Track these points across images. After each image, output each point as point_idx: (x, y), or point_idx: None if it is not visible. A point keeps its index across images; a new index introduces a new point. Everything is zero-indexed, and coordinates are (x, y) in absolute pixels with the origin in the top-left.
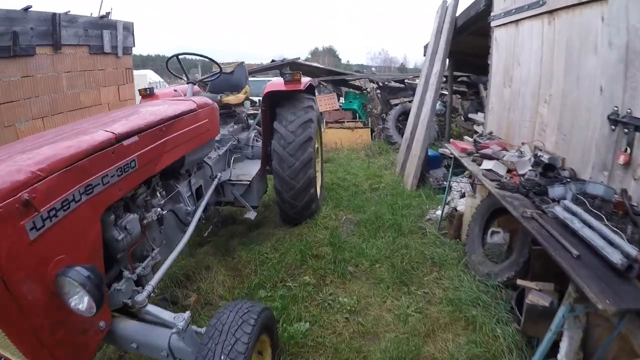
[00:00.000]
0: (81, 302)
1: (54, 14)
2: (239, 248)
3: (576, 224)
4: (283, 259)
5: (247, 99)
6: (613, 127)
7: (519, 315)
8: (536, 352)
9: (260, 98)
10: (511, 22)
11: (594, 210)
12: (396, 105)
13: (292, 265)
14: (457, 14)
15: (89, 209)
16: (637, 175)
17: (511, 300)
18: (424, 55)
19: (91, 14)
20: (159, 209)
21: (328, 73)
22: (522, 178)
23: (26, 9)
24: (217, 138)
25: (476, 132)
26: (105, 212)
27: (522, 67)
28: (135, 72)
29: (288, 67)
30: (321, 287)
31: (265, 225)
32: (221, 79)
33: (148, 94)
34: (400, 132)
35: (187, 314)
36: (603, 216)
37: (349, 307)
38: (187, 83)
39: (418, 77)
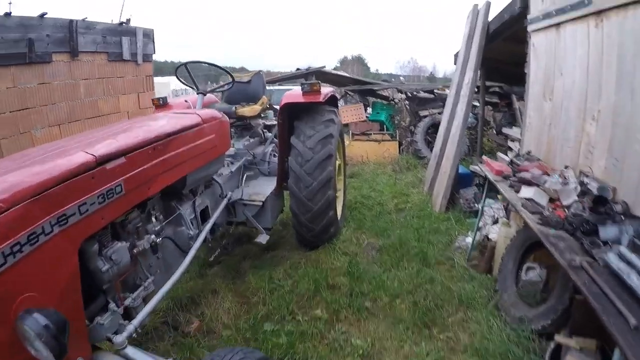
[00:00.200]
0: (38, 352)
1: (71, 21)
2: (250, 271)
3: (634, 281)
4: (295, 288)
5: (264, 110)
6: None
7: None
8: None
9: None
10: (551, 25)
11: None
12: (425, 117)
13: (304, 296)
14: (490, 18)
15: (63, 241)
16: None
17: (545, 356)
18: (454, 64)
19: (112, 20)
20: (152, 236)
21: (354, 82)
22: (567, 210)
23: (42, 15)
24: (231, 152)
25: (510, 148)
26: (86, 241)
27: (565, 77)
28: (158, 80)
29: (313, 76)
30: (333, 324)
31: (281, 246)
32: (237, 89)
33: (161, 104)
34: (430, 145)
35: None
36: None
37: (361, 351)
38: (197, 94)
39: (448, 87)
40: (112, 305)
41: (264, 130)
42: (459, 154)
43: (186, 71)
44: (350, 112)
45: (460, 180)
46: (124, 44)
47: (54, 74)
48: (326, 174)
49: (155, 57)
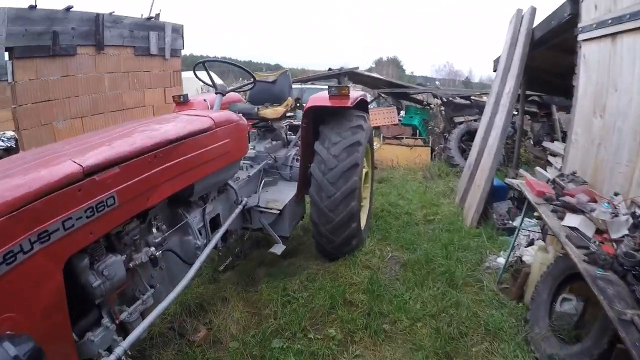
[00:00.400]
0: None
1: (97, 15)
2: (265, 280)
3: None
4: (309, 302)
5: (290, 111)
6: None
7: None
8: None
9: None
10: (606, 35)
11: None
12: (460, 123)
13: (318, 312)
14: (535, 24)
15: (45, 259)
16: None
17: None
18: (494, 71)
19: (141, 15)
20: (152, 249)
21: (388, 85)
22: (615, 245)
23: (68, 9)
24: (250, 155)
25: (549, 162)
26: (75, 256)
27: (621, 94)
28: (187, 75)
29: (346, 77)
30: (347, 345)
31: (299, 254)
32: (262, 89)
33: (182, 101)
34: (463, 154)
35: None
36: None
37: None
38: (215, 94)
39: (486, 94)
40: (105, 320)
41: (289, 133)
42: (495, 167)
43: (204, 70)
44: (382, 115)
45: (494, 193)
46: (151, 39)
47: (79, 66)
48: (350, 185)
49: (189, 52)
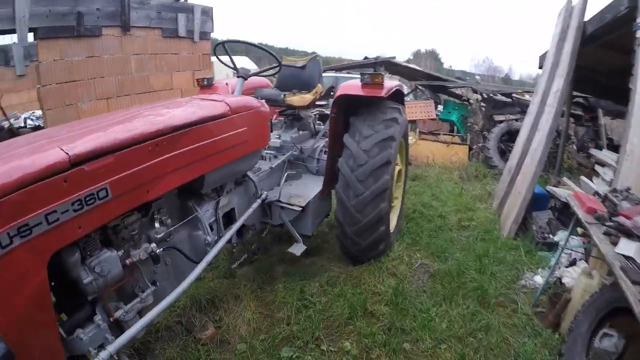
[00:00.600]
0: None
1: None
2: (282, 279)
3: None
4: (327, 310)
5: (316, 100)
6: None
7: None
8: None
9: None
10: None
11: None
12: (501, 122)
13: (335, 322)
14: (587, 17)
15: (26, 254)
16: None
17: None
18: (539, 67)
19: None
20: (152, 245)
21: (426, 77)
22: None
23: None
24: (275, 144)
25: (594, 172)
26: (65, 250)
27: None
28: (216, 59)
29: (382, 66)
30: None
31: (322, 253)
32: (290, 75)
33: (206, 84)
34: (503, 156)
35: None
36: None
37: None
38: (237, 77)
39: (529, 92)
40: (97, 317)
41: (318, 123)
42: (538, 173)
43: (225, 52)
44: (419, 109)
45: (534, 201)
46: (179, 21)
47: (104, 47)
48: (381, 184)
49: (222, 36)
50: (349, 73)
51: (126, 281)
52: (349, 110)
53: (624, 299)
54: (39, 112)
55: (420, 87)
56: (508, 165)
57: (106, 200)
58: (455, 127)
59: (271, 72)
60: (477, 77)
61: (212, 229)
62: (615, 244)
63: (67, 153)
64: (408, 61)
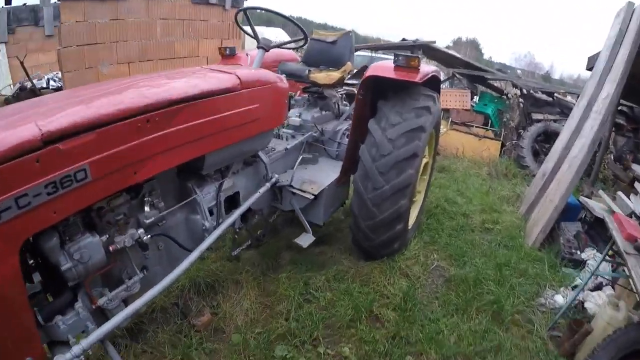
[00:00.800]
0: None
1: None
2: (287, 267)
3: None
4: (329, 307)
5: (343, 79)
6: None
7: None
8: None
9: None
10: None
11: None
12: (538, 121)
13: (336, 322)
14: None
15: None
16: None
17: None
18: (587, 69)
19: None
20: (140, 231)
21: (465, 65)
22: None
23: None
24: (295, 123)
25: (632, 187)
26: (43, 233)
27: None
28: (248, 29)
29: (421, 50)
30: None
31: (333, 242)
32: (319, 50)
33: (228, 54)
34: (536, 157)
35: None
36: None
37: None
38: (258, 48)
39: (571, 93)
40: (78, 304)
41: (345, 103)
42: (575, 183)
43: (246, 18)
44: (454, 98)
45: (563, 209)
46: None
47: (129, 10)
48: (403, 179)
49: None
50: (384, 54)
51: (112, 266)
52: (377, 94)
53: None
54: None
55: (457, 75)
56: (542, 169)
57: (85, 182)
58: (489, 121)
59: (296, 45)
60: (519, 71)
61: (212, 214)
62: None
63: (40, 129)
64: (447, 48)
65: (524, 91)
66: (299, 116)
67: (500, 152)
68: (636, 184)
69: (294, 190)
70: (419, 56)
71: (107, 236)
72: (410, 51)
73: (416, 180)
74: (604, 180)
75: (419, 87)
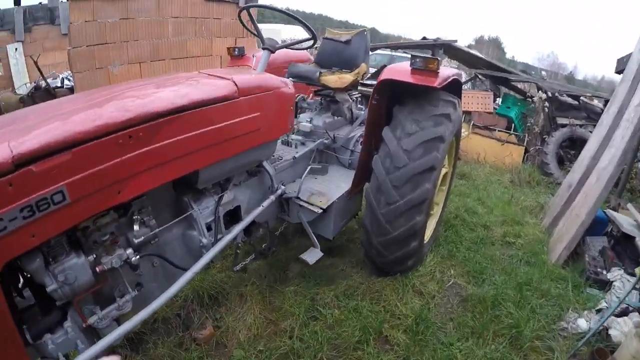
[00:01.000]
0: None
1: None
2: (295, 280)
3: None
4: (336, 326)
5: (357, 82)
6: None
7: None
8: None
9: None
10: None
11: None
12: (564, 126)
13: (343, 343)
14: None
15: None
16: None
17: None
18: (616, 72)
19: None
20: (128, 251)
21: (488, 66)
22: None
23: None
24: (305, 129)
25: None
26: (25, 255)
27: None
28: (268, 27)
29: (441, 49)
30: None
31: (345, 255)
32: (332, 50)
33: (236, 54)
34: (561, 164)
35: None
36: None
37: None
38: (262, 49)
39: (599, 97)
40: (67, 323)
41: (360, 107)
42: (603, 198)
43: (249, 17)
44: (476, 100)
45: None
46: None
47: (139, 9)
48: (419, 194)
49: (273, 3)
50: (405, 53)
51: (103, 285)
52: (394, 98)
53: None
54: None
55: (480, 76)
56: (568, 180)
57: (64, 204)
58: (512, 125)
59: (303, 46)
60: (543, 72)
61: (210, 229)
62: None
63: (11, 151)
64: (469, 47)
65: (549, 94)
66: (310, 121)
67: (524, 158)
68: None
69: (302, 203)
70: (439, 58)
71: (94, 256)
72: (431, 50)
73: (433, 195)
74: (631, 190)
75: (438, 92)
